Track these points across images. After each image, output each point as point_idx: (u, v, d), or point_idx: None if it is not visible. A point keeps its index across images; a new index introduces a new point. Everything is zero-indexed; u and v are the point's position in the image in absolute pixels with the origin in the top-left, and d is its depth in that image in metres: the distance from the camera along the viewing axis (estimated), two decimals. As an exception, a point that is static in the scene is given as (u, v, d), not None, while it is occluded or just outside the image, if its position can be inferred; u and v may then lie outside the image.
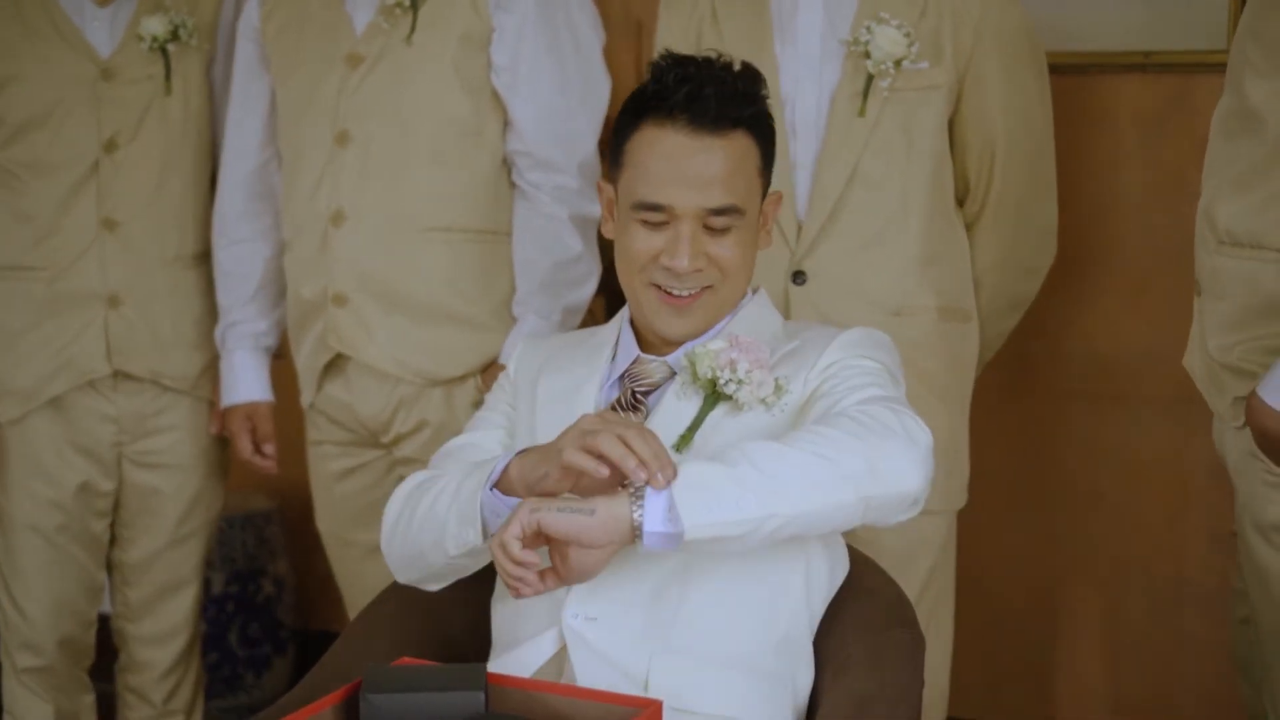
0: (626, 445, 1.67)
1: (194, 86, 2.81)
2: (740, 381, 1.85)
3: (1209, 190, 2.14)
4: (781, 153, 2.39)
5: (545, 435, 1.90)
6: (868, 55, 2.41)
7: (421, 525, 1.90)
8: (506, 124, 2.62)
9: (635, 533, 1.69)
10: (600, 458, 1.68)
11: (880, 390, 1.83)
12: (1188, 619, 2.93)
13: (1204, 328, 2.16)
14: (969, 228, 2.56)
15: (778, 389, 1.86)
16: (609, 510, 1.69)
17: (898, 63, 2.40)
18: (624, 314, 2.03)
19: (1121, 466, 2.96)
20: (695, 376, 1.89)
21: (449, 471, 1.94)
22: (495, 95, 2.60)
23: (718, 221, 1.89)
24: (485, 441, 2.03)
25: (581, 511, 1.68)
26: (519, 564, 1.70)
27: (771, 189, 2.33)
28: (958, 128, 2.50)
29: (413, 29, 2.56)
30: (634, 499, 1.69)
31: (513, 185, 2.66)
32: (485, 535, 1.83)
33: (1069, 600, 3.02)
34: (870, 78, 2.41)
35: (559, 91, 2.58)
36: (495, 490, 1.81)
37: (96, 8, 2.76)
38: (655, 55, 2.36)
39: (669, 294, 1.91)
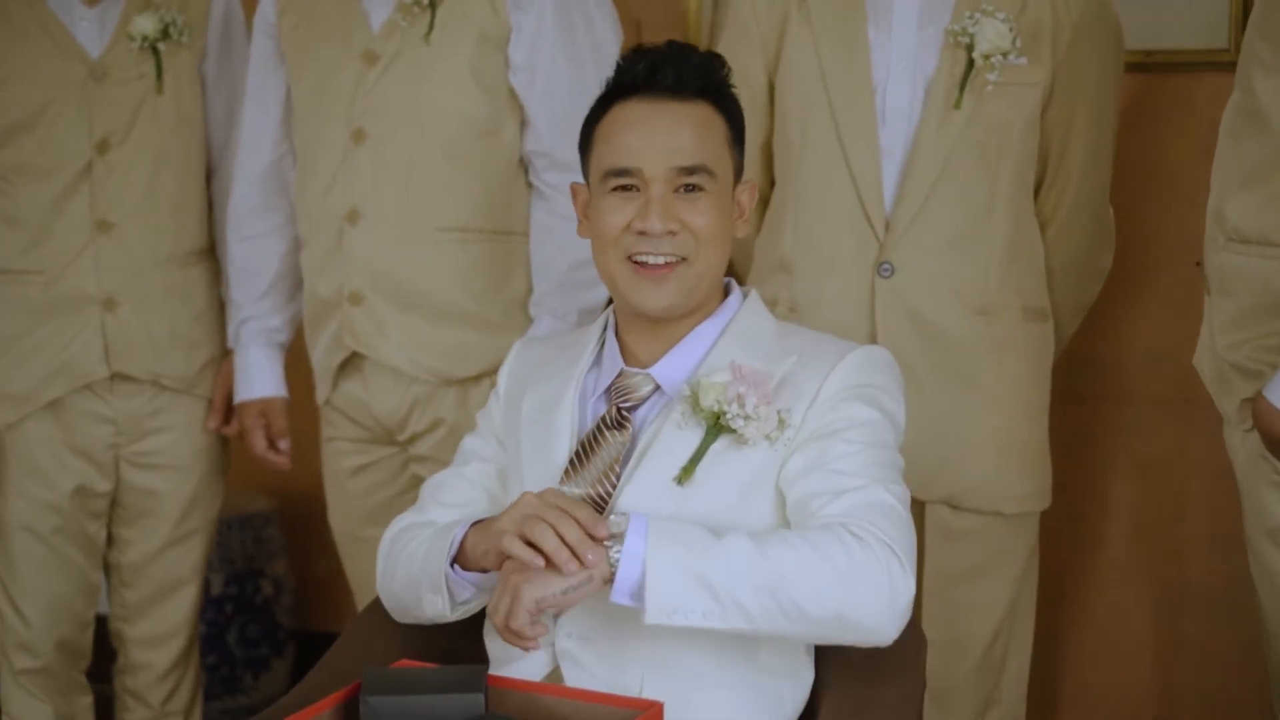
0: (560, 536, 1.71)
1: (186, 84, 2.79)
2: (748, 418, 1.82)
3: (1218, 188, 2.13)
4: (871, 140, 2.40)
5: (529, 456, 1.93)
6: (970, 46, 2.37)
7: (404, 585, 1.94)
8: (523, 124, 2.62)
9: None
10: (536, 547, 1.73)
11: (878, 488, 1.79)
12: (1189, 621, 2.93)
13: (1213, 326, 2.15)
14: (1041, 227, 2.51)
15: (780, 423, 1.84)
16: (599, 571, 1.72)
17: (1004, 55, 2.37)
18: (608, 321, 2.01)
19: (1124, 468, 2.96)
20: (698, 406, 1.86)
21: (424, 524, 1.97)
22: (512, 95, 2.60)
23: (688, 180, 1.88)
24: (465, 482, 2.04)
25: (582, 586, 1.73)
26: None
27: (859, 176, 2.36)
28: (1043, 125, 2.45)
29: (430, 28, 2.55)
30: (612, 560, 1.72)
31: (529, 186, 2.65)
32: (453, 606, 1.88)
33: (1070, 601, 3.01)
34: (969, 70, 2.37)
35: (577, 91, 2.55)
36: (455, 565, 1.86)
37: (85, 7, 2.74)
38: (724, 33, 2.46)
39: (643, 264, 1.89)
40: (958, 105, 2.38)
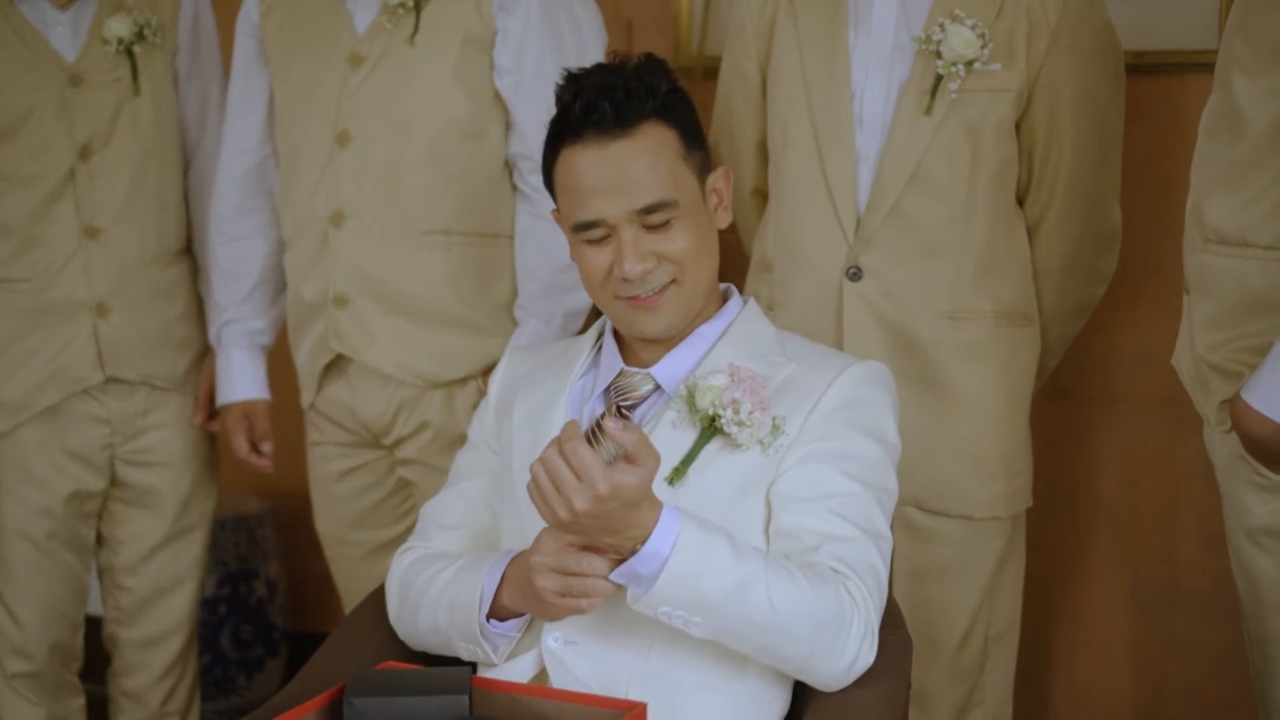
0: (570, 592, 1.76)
1: (161, 84, 2.79)
2: (742, 424, 1.84)
3: (1196, 188, 2.14)
4: (846, 144, 2.41)
5: (520, 461, 1.94)
6: (939, 54, 2.37)
7: (428, 630, 1.95)
8: (508, 127, 2.61)
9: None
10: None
11: (870, 547, 1.82)
12: (1179, 620, 2.93)
13: (1191, 327, 2.15)
14: (1031, 230, 2.51)
15: (775, 429, 1.85)
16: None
17: (969, 64, 2.37)
18: (606, 326, 2.02)
19: (1114, 468, 2.96)
20: (693, 407, 1.87)
21: (434, 557, 1.98)
22: (498, 98, 2.59)
23: (653, 219, 1.88)
24: (463, 500, 2.05)
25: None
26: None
27: (832, 178, 2.37)
28: (1025, 130, 2.45)
29: (415, 30, 2.55)
30: (631, 547, 1.73)
31: (514, 188, 2.65)
32: (499, 656, 1.88)
33: (1060, 601, 3.01)
34: (939, 77, 2.38)
35: None
36: (492, 620, 1.87)
37: (57, 12, 2.73)
38: (729, 30, 2.51)
39: (634, 298, 1.90)
40: (928, 111, 2.39)
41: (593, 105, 1.87)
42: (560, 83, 1.94)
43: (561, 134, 1.92)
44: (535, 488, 1.70)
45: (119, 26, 2.72)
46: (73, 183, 2.72)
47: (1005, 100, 2.41)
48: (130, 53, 2.74)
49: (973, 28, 2.36)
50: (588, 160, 1.88)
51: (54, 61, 2.71)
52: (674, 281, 1.90)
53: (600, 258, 1.91)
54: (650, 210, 1.88)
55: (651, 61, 1.93)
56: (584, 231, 1.90)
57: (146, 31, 2.74)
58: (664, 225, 1.89)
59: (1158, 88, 2.80)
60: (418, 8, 2.55)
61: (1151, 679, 2.98)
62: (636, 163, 1.87)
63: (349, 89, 2.58)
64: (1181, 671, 2.94)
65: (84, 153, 2.72)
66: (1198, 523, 2.87)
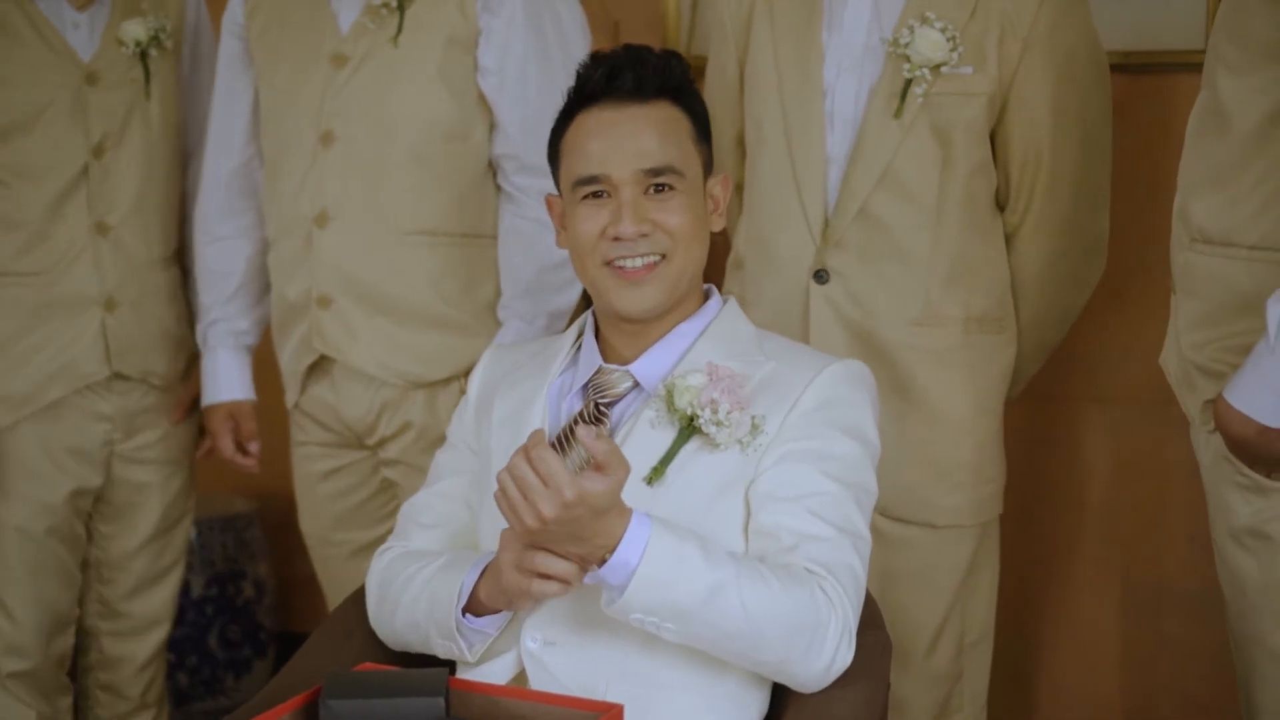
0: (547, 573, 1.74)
1: (169, 88, 2.82)
2: (720, 423, 1.83)
3: (1183, 188, 2.14)
4: (816, 143, 2.41)
5: (499, 460, 1.92)
6: (907, 58, 2.36)
7: (406, 626, 1.94)
8: (493, 127, 2.61)
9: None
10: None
11: (848, 548, 1.82)
12: (1167, 621, 2.92)
13: (1178, 326, 2.15)
14: (1009, 237, 2.49)
15: (754, 428, 1.85)
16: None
17: (936, 68, 2.35)
18: (586, 323, 2.02)
19: (1101, 468, 2.95)
20: (671, 407, 1.87)
21: (413, 555, 1.97)
22: (481, 98, 2.59)
23: (657, 182, 1.89)
24: (442, 499, 2.04)
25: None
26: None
27: (802, 177, 2.37)
28: (1000, 136, 2.43)
29: (399, 30, 2.55)
30: (601, 555, 1.73)
31: (498, 189, 2.65)
32: (472, 653, 1.87)
33: (1048, 604, 3.01)
34: (908, 80, 2.36)
35: (546, 94, 2.55)
36: (468, 615, 1.86)
37: (75, 12, 2.75)
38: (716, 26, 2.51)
39: (622, 268, 1.90)
40: (897, 114, 2.38)
41: (616, 73, 1.91)
42: (582, 62, 1.96)
43: (578, 101, 1.94)
44: (503, 496, 1.70)
45: (136, 30, 2.75)
46: (86, 179, 2.74)
47: (976, 104, 2.39)
48: (144, 56, 2.76)
49: (942, 30, 2.34)
50: (603, 120, 1.91)
51: (71, 59, 2.74)
52: (664, 258, 1.90)
53: (595, 220, 1.90)
54: (657, 172, 1.89)
55: (673, 53, 1.97)
56: (584, 186, 1.91)
57: (161, 35, 2.77)
58: (666, 194, 1.90)
59: (1144, 87, 2.80)
60: (401, 8, 2.54)
61: (1141, 680, 2.97)
62: (649, 130, 1.90)
63: (333, 89, 2.58)
64: (1171, 672, 2.94)
65: (97, 150, 2.74)
66: (1186, 523, 2.87)
